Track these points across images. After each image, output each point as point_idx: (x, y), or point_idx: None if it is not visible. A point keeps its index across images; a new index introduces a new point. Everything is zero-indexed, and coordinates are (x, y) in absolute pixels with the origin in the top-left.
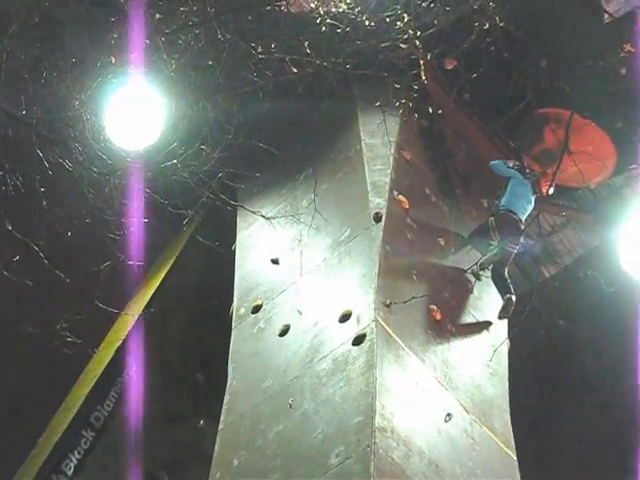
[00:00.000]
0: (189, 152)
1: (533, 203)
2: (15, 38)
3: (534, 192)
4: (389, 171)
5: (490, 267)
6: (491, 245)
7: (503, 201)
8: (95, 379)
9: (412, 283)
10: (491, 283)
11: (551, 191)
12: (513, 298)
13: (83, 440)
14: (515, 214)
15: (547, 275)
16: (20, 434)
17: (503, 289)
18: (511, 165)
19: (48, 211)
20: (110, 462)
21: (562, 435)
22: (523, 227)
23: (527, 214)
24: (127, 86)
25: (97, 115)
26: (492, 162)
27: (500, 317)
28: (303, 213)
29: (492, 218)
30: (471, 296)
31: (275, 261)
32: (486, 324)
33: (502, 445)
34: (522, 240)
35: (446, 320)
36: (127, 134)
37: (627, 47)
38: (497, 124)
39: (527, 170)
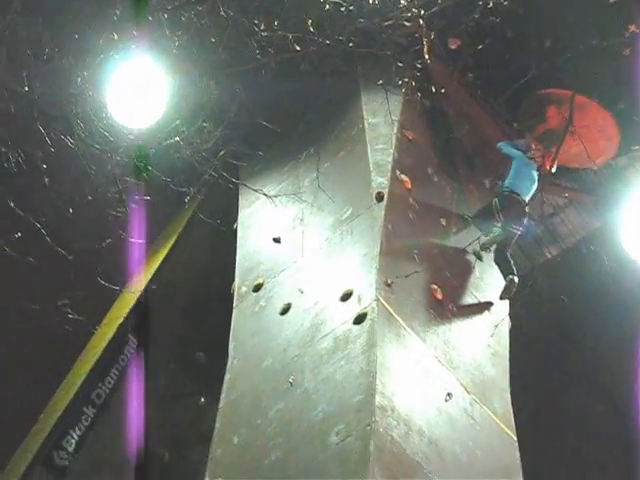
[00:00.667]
0: (191, 130)
1: (537, 184)
2: (17, 14)
3: (539, 172)
4: (391, 150)
5: (492, 248)
6: (494, 226)
7: (507, 182)
8: (96, 356)
9: (414, 263)
10: (493, 263)
11: (554, 170)
12: (515, 279)
13: (84, 417)
14: (519, 195)
15: (549, 256)
16: (21, 411)
17: (506, 270)
18: (518, 146)
19: (50, 188)
20: (111, 439)
21: (561, 416)
22: (527, 209)
23: (531, 195)
24: (130, 63)
25: (99, 92)
26: (499, 143)
27: (502, 298)
28: (305, 192)
29: (496, 199)
30: (472, 276)
31: (277, 240)
32: (487, 304)
33: (502, 425)
34: (526, 221)
35: (447, 300)
36: (129, 111)
37: (631, 28)
38: (500, 103)
39: (532, 149)
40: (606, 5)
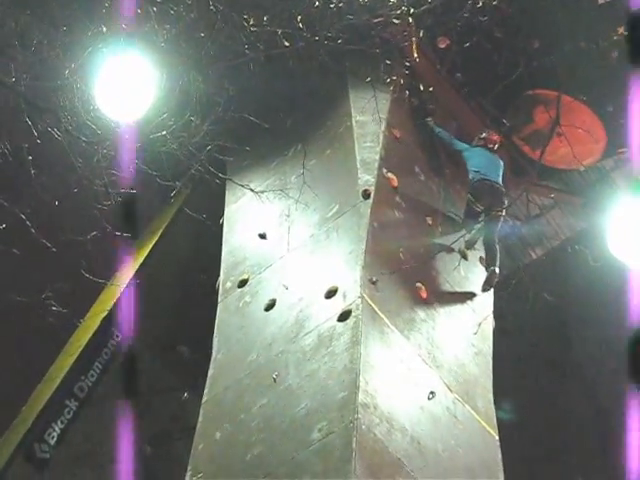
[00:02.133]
0: (179, 124)
1: (501, 165)
2: (5, 5)
3: (492, 151)
4: (379, 148)
5: (476, 244)
6: (479, 221)
7: (472, 174)
8: (80, 349)
9: (399, 261)
10: (478, 263)
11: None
12: (497, 270)
13: (67, 410)
14: (488, 179)
15: (534, 256)
16: (3, 403)
17: (489, 261)
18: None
19: (36, 180)
20: (93, 433)
21: (546, 415)
22: (503, 189)
23: (501, 175)
24: (118, 56)
25: (87, 84)
26: (439, 132)
27: (483, 289)
28: (292, 188)
29: (469, 195)
30: (457, 275)
31: (262, 236)
32: (472, 303)
33: (484, 424)
34: (506, 201)
35: (432, 298)
36: (117, 104)
37: (620, 30)
38: (488, 103)
39: (479, 138)
40: (595, 7)
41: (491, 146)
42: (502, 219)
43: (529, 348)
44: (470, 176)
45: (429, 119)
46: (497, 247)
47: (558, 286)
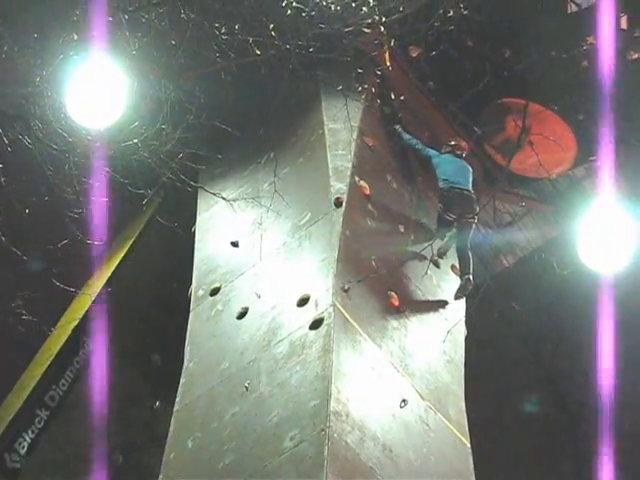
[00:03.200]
0: (150, 132)
1: (471, 171)
2: None
3: (461, 157)
4: (351, 156)
5: (448, 252)
6: (451, 229)
7: (442, 181)
8: (51, 358)
9: (371, 269)
10: (450, 270)
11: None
12: (471, 278)
13: (37, 419)
14: (458, 186)
15: (506, 264)
16: None
17: (462, 269)
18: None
19: (7, 187)
20: (65, 442)
21: (517, 424)
22: (473, 195)
23: (470, 181)
24: (89, 64)
25: (58, 92)
26: (408, 139)
27: (456, 297)
28: (264, 196)
29: (439, 204)
30: (429, 283)
31: (235, 244)
32: (442, 303)
33: (456, 432)
34: (477, 208)
35: (404, 306)
36: (88, 112)
37: (589, 39)
38: (460, 111)
39: (446, 146)
40: (564, 16)
41: (460, 153)
42: (473, 226)
43: (500, 355)
44: (440, 184)
45: (397, 126)
46: (470, 255)
47: (528, 293)
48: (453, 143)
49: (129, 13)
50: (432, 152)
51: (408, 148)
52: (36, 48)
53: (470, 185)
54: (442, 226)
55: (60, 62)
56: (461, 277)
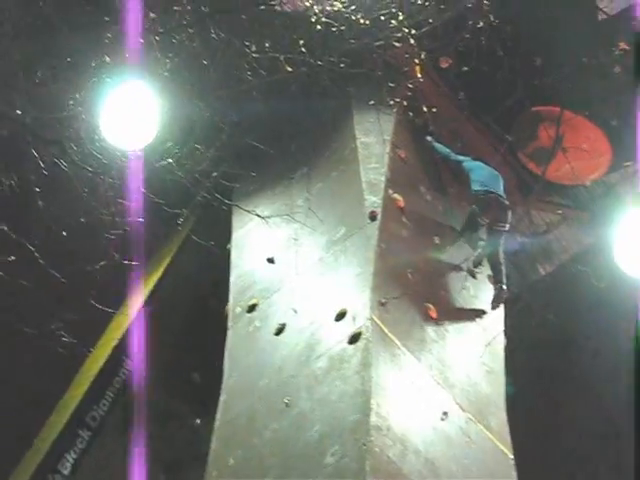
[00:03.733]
0: (184, 151)
1: (501, 177)
2: (9, 38)
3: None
4: (384, 170)
5: (483, 261)
6: (481, 240)
7: (475, 186)
8: (91, 379)
9: (408, 281)
10: (487, 281)
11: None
12: (504, 287)
13: (79, 440)
14: (493, 192)
15: (543, 273)
16: (16, 434)
17: (496, 279)
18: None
19: (43, 211)
20: (107, 462)
21: (559, 434)
22: (508, 203)
23: (502, 188)
24: (122, 86)
25: (92, 115)
26: (438, 148)
27: (493, 307)
28: (298, 212)
29: (473, 206)
30: (467, 294)
31: (270, 260)
32: (480, 313)
33: (498, 443)
34: (510, 215)
35: (442, 318)
36: (122, 133)
37: (621, 45)
38: (491, 121)
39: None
40: (595, 23)
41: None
42: (504, 235)
43: (541, 364)
44: (474, 187)
45: (429, 138)
46: (503, 263)
47: (566, 301)
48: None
49: (160, 35)
50: (463, 158)
51: (440, 159)
52: (69, 72)
53: (502, 192)
54: (469, 230)
55: (93, 85)
56: (495, 287)
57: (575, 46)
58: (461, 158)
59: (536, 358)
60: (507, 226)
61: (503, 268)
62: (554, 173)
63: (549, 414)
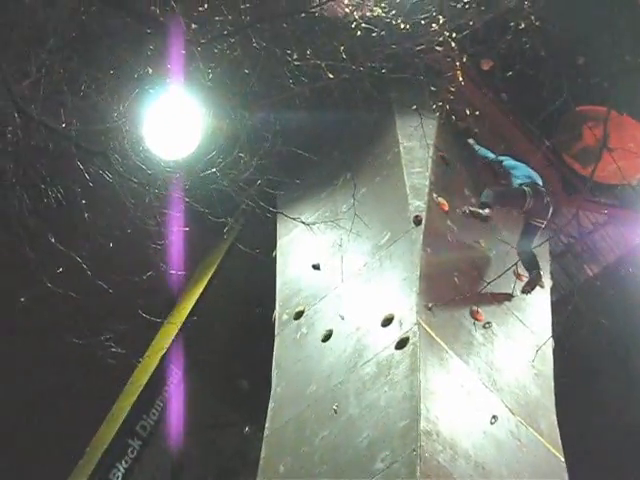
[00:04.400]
0: (227, 160)
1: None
2: (53, 52)
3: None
4: (428, 173)
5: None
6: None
7: (519, 180)
8: (140, 388)
9: (454, 285)
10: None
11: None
12: (541, 272)
13: (130, 449)
14: (540, 186)
15: (590, 273)
16: (68, 444)
17: (529, 266)
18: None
19: (89, 222)
20: (157, 471)
21: (609, 435)
22: (549, 201)
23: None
24: (165, 96)
25: (136, 126)
26: (479, 149)
27: (524, 291)
28: (343, 218)
29: (527, 188)
30: (513, 296)
31: (316, 266)
32: (527, 316)
33: (549, 446)
34: (550, 214)
35: (489, 321)
36: (166, 144)
37: None
38: (535, 123)
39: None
40: (638, 20)
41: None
42: (539, 232)
43: (589, 366)
44: (519, 181)
45: (470, 140)
46: (533, 252)
47: (614, 301)
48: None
49: (202, 45)
50: (504, 157)
51: (482, 161)
52: (112, 84)
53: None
54: (514, 201)
55: (136, 97)
56: (530, 273)
57: (618, 45)
58: (502, 158)
59: (584, 359)
60: (545, 223)
61: (534, 256)
62: (600, 173)
63: (597, 415)
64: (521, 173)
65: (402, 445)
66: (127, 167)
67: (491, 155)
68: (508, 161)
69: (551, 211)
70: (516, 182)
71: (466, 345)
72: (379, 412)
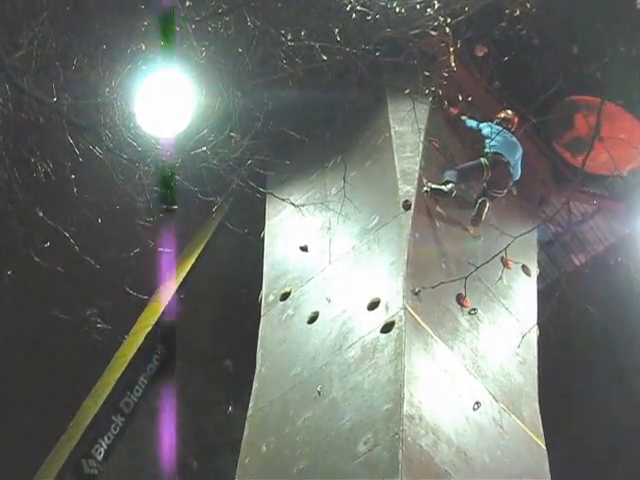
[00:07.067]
0: (219, 139)
1: (520, 147)
2: (46, 25)
3: (516, 136)
4: (418, 159)
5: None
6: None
7: (489, 146)
8: (125, 365)
9: (441, 271)
10: (521, 271)
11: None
12: (487, 201)
13: (113, 425)
14: (504, 158)
15: (577, 263)
16: (51, 419)
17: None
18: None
19: (78, 198)
20: (140, 447)
21: (591, 424)
22: (513, 173)
23: (517, 159)
24: (157, 73)
25: (127, 102)
26: (467, 122)
27: (473, 223)
28: (332, 200)
29: (483, 159)
30: (500, 284)
31: (304, 248)
32: (513, 303)
33: (531, 434)
34: (509, 187)
35: (475, 308)
36: (157, 121)
37: None
38: (527, 111)
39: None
40: (634, 12)
41: (509, 126)
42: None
43: (573, 355)
44: (486, 149)
45: (463, 117)
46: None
47: (601, 291)
48: (502, 116)
49: (196, 23)
50: (485, 125)
51: (478, 149)
52: (105, 60)
53: (516, 162)
54: (471, 177)
55: (129, 72)
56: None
57: (613, 35)
58: (484, 125)
59: (569, 348)
60: (503, 193)
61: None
62: (590, 163)
63: (581, 402)
64: (494, 142)
65: (385, 429)
66: (117, 143)
67: (476, 125)
68: (488, 128)
69: (510, 184)
70: (485, 149)
71: (451, 331)
72: (363, 395)
